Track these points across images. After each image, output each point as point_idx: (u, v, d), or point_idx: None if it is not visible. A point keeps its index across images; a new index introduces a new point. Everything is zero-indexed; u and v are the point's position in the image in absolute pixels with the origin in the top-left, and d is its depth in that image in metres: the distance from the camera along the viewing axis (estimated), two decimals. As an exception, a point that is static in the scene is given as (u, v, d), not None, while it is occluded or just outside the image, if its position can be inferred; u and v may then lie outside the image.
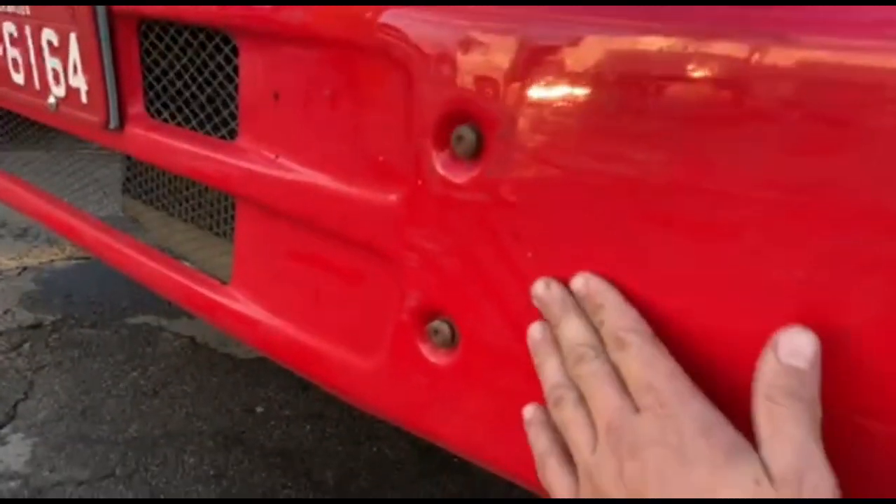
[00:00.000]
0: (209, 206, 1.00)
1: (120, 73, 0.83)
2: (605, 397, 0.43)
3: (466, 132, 0.50)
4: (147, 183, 1.18)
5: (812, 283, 0.39)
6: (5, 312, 1.93)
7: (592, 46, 0.44)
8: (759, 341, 0.40)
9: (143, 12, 0.78)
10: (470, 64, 0.49)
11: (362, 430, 1.53)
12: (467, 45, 0.49)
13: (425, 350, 0.57)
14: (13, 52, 1.00)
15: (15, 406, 1.55)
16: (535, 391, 0.50)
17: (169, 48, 0.83)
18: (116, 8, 0.80)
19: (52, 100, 0.95)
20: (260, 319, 0.73)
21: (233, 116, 0.75)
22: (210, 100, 0.81)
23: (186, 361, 1.76)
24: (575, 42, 0.44)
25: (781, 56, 0.38)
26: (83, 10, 0.81)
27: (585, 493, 0.44)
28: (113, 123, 0.85)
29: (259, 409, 1.59)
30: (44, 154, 1.41)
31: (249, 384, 1.67)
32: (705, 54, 0.40)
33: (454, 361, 0.56)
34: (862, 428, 0.39)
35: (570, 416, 0.45)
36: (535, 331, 0.49)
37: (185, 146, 0.78)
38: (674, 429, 0.39)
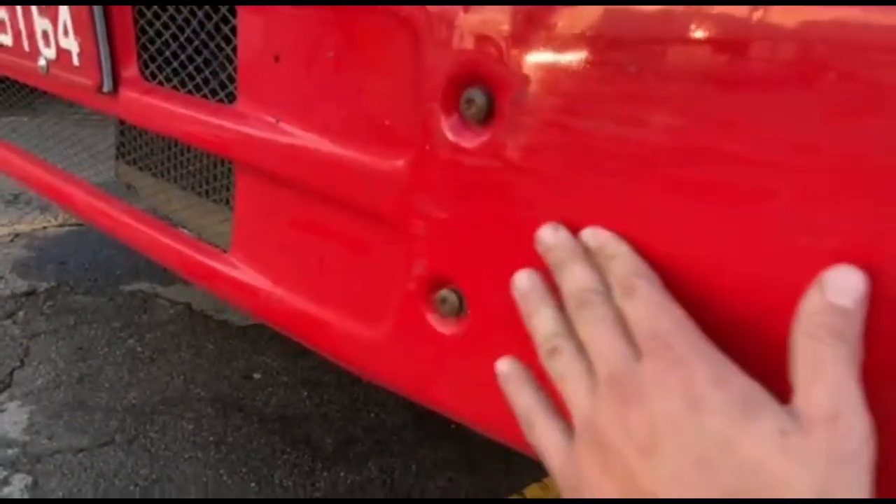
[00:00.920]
0: (207, 173, 0.98)
1: (113, 34, 0.81)
2: (609, 343, 0.40)
3: (477, 95, 0.48)
4: (142, 148, 1.16)
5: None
6: (-2, 279, 1.91)
7: (608, 6, 0.42)
8: (769, 305, 0.39)
9: (136, -30, 0.75)
10: (480, 24, 0.48)
11: (360, 397, 1.53)
12: (477, 4, 0.47)
13: (432, 319, 0.56)
14: (0, 12, 0.97)
15: (11, 374, 1.54)
16: None
17: (164, 8, 0.80)
18: (108, -34, 0.78)
19: (42, 62, 0.92)
20: (261, 288, 0.71)
21: (231, 79, 0.73)
22: (207, 62, 0.79)
23: (183, 328, 1.75)
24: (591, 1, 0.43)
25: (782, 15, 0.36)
26: (73, -32, 0.78)
27: (584, 449, 0.40)
28: (107, 87, 0.83)
29: (257, 376, 1.59)
30: (33, 119, 1.38)
31: (246, 351, 1.67)
32: (708, 15, 0.38)
33: (462, 331, 0.55)
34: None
35: (567, 367, 0.42)
36: (522, 279, 0.47)
37: (182, 110, 0.75)
38: (683, 375, 0.36)
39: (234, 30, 0.69)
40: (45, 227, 2.27)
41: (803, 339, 0.36)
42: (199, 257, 0.79)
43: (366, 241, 0.60)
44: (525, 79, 0.46)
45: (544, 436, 0.43)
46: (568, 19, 0.44)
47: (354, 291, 0.63)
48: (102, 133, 1.30)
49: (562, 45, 0.44)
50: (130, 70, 0.83)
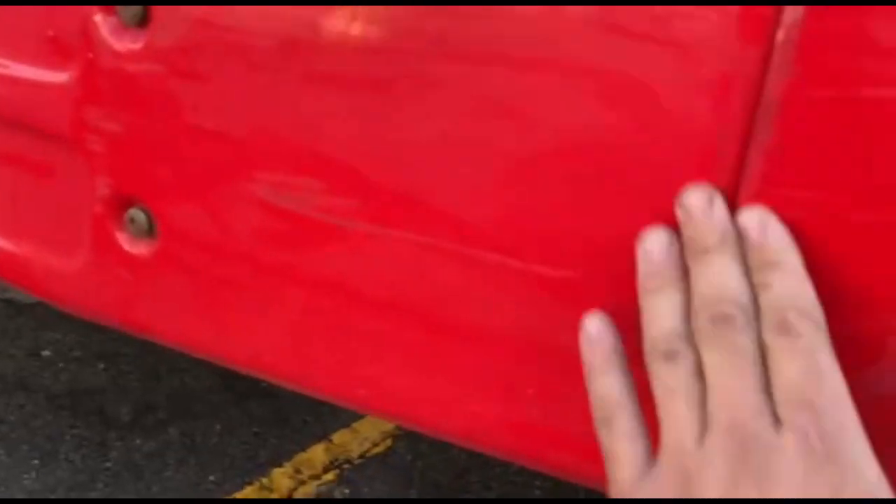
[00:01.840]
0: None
1: None
2: (741, 389, 0.31)
3: (127, -6, 0.46)
4: None
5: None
6: None
7: None
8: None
9: None
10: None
11: (163, 365, 1.47)
12: None
13: (123, 241, 0.54)
14: None
15: None
16: (241, 278, 0.49)
17: None
18: None
19: None
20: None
21: None
22: None
23: (-39, 311, 1.60)
24: None
25: None
26: None
27: (668, 485, 0.32)
28: None
29: (46, 353, 1.48)
30: None
31: (34, 328, 1.55)
32: None
33: (155, 251, 0.53)
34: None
35: (680, 384, 0.33)
36: (657, 240, 0.35)
37: None
38: (830, 477, 0.29)
39: None
40: None
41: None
42: None
43: (52, 166, 0.57)
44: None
45: (623, 442, 0.35)
46: None
47: (50, 221, 0.59)
48: None
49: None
50: None
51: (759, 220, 0.34)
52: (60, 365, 1.44)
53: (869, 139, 0.32)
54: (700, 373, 0.33)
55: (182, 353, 0.61)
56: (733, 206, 0.34)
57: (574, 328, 0.37)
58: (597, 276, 0.38)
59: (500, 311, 0.42)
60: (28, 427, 1.27)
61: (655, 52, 0.35)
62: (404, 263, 0.44)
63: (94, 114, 0.51)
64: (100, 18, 0.48)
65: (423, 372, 0.45)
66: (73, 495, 1.17)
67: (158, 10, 0.46)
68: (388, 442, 1.33)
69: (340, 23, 0.42)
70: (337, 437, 1.34)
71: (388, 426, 1.34)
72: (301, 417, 1.37)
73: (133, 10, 0.46)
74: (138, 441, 1.27)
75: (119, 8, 0.47)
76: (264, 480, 1.24)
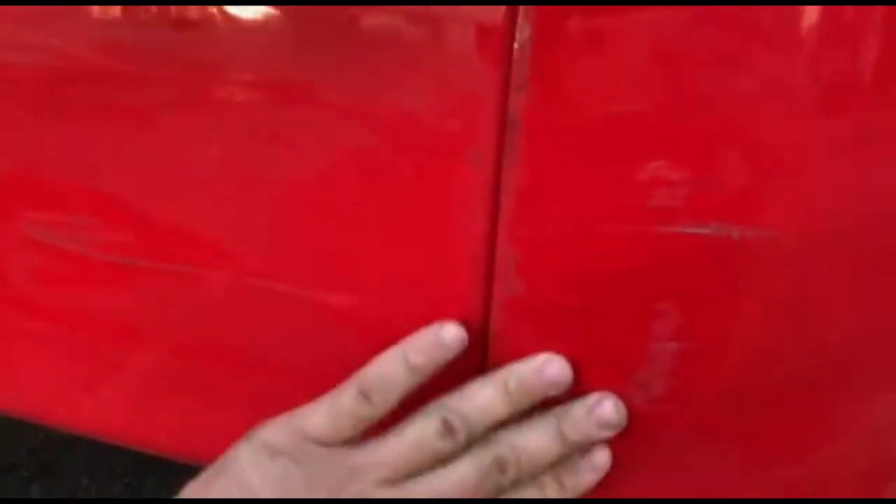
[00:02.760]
0: None
1: None
2: None
3: None
4: None
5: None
6: None
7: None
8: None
9: None
10: None
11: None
12: None
13: None
14: None
15: None
16: (25, 325, 0.46)
17: None
18: None
19: None
20: None
21: None
22: None
23: None
24: None
25: None
26: None
27: None
28: None
29: None
30: None
31: None
32: None
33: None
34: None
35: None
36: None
37: None
38: None
39: None
40: None
41: None
42: None
43: None
44: None
45: None
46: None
47: None
48: None
49: None
50: None
51: None
52: None
53: (610, 158, 0.32)
54: None
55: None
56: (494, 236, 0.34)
57: (362, 356, 0.37)
58: (373, 302, 0.38)
59: (290, 342, 0.41)
60: None
61: (405, 70, 0.34)
62: (186, 299, 0.42)
63: None
64: None
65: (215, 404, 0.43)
66: None
67: None
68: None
69: (97, 53, 0.40)
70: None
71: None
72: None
73: None
74: None
75: None
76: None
